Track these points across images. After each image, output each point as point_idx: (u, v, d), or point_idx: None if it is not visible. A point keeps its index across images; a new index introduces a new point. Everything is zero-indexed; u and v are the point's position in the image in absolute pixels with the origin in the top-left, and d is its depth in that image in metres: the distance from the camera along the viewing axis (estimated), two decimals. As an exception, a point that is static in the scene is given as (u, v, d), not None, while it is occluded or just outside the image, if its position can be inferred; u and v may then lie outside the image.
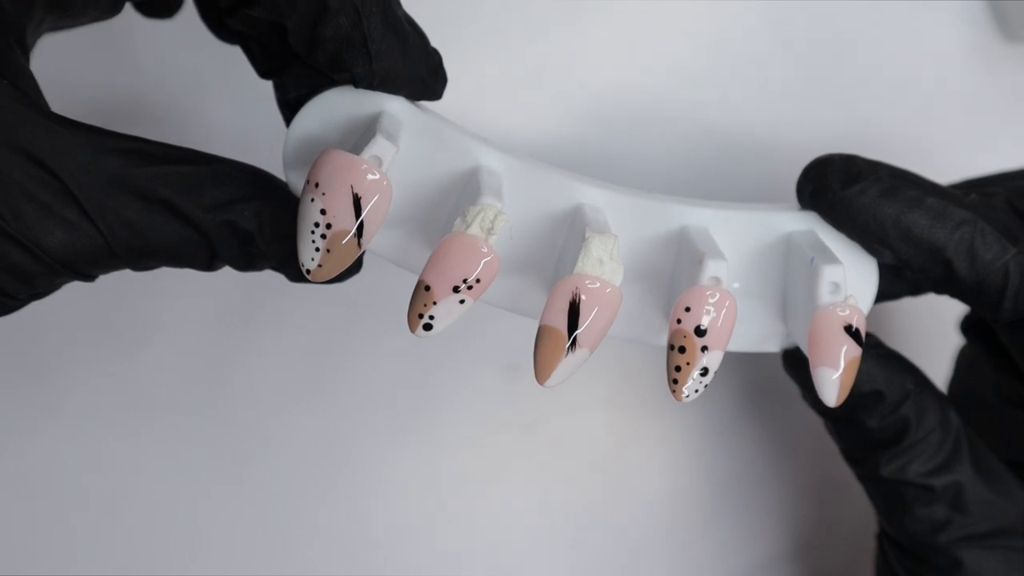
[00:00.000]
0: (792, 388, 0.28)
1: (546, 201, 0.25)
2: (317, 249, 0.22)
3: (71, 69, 0.34)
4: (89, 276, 0.23)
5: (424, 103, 0.25)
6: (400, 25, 0.23)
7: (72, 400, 0.34)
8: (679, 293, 0.24)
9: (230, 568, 0.34)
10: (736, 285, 0.26)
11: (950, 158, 0.36)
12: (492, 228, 0.22)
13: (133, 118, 0.34)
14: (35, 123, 0.21)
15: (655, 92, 0.36)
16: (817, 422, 0.32)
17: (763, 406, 0.36)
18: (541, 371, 0.22)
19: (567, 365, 0.22)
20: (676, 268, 0.25)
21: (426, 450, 0.35)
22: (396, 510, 0.35)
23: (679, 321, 0.23)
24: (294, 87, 0.24)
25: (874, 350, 0.26)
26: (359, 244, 0.22)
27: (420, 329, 0.22)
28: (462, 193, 0.24)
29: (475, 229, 0.22)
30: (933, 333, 0.34)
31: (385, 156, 0.22)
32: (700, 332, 0.23)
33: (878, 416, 0.26)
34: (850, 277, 0.24)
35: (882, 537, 0.29)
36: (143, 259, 0.22)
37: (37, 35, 0.23)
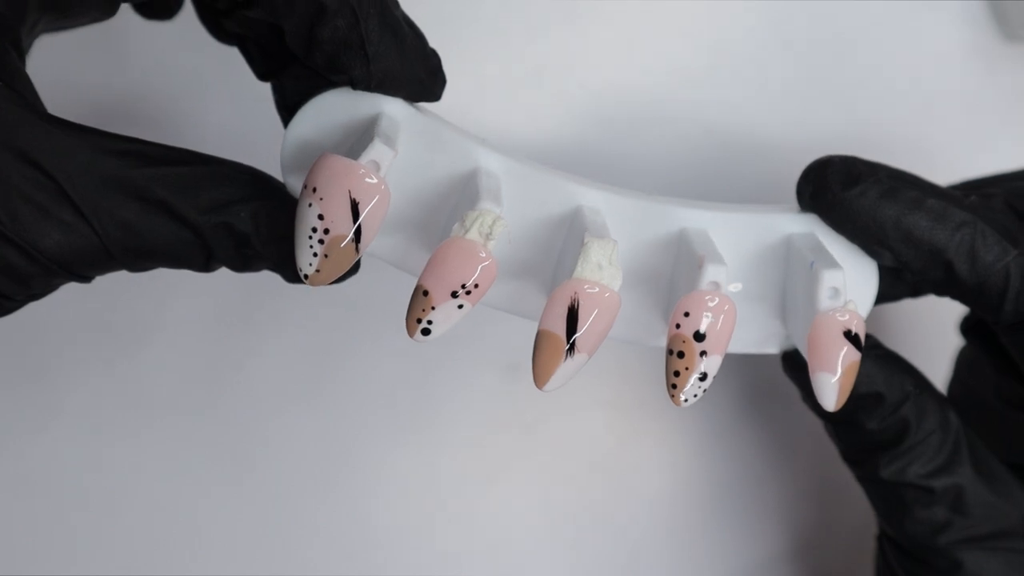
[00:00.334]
0: (791, 389, 0.28)
1: (545, 203, 0.25)
2: (315, 254, 0.22)
3: (70, 70, 0.34)
4: (86, 277, 0.23)
5: (423, 104, 0.25)
6: (398, 26, 0.23)
7: (72, 400, 0.34)
8: (678, 296, 0.24)
9: (230, 568, 0.34)
10: (736, 287, 0.26)
11: (950, 158, 0.36)
12: (490, 233, 0.22)
13: (131, 119, 0.34)
14: (31, 124, 0.21)
15: (655, 92, 0.36)
16: (816, 423, 0.32)
17: (762, 407, 0.36)
18: (540, 376, 0.22)
19: (565, 370, 0.22)
20: (675, 270, 0.25)
21: (426, 450, 0.35)
22: (396, 510, 0.35)
23: (678, 326, 0.23)
24: (292, 89, 0.24)
25: (873, 351, 0.26)
26: (357, 249, 0.22)
27: (418, 334, 0.22)
28: (461, 196, 0.24)
29: (473, 234, 0.22)
30: (933, 334, 0.34)
31: (383, 160, 0.22)
32: (699, 337, 0.23)
33: (878, 418, 0.26)
34: (850, 279, 0.24)
35: (882, 538, 0.29)
36: (139, 260, 0.22)
37: (33, 37, 0.23)
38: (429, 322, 0.22)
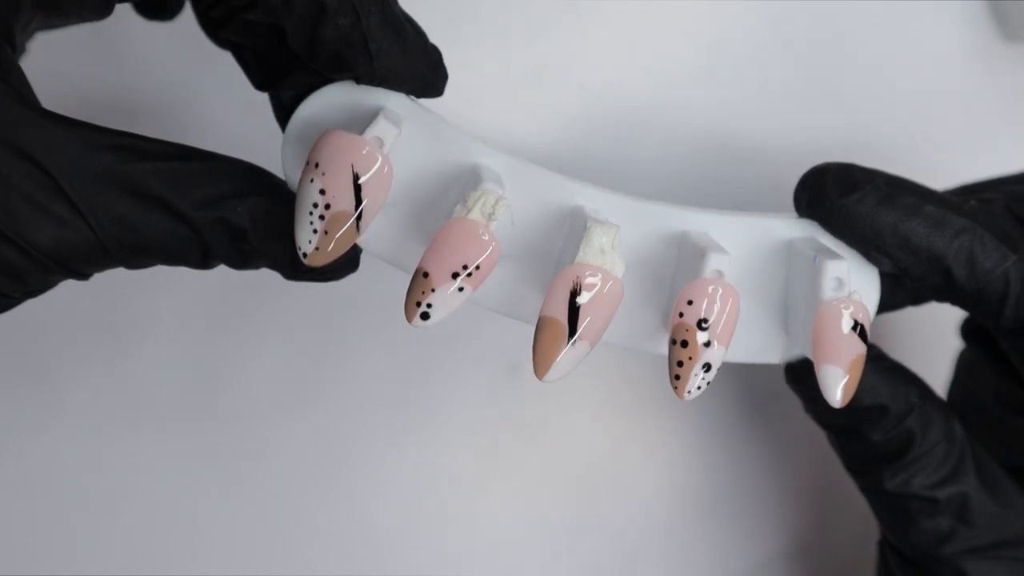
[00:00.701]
0: (791, 390, 0.28)
1: (545, 204, 0.25)
2: (315, 231, 0.21)
3: (68, 66, 0.34)
4: (83, 274, 0.22)
5: (425, 103, 0.25)
6: (399, 23, 0.23)
7: (72, 400, 0.34)
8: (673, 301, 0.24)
9: (230, 568, 0.34)
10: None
11: (950, 158, 0.36)
12: (493, 213, 0.22)
13: (131, 115, 0.34)
14: (25, 119, 0.21)
15: (655, 92, 0.36)
16: (816, 425, 0.32)
17: (762, 408, 0.36)
18: (540, 364, 0.22)
19: (567, 359, 0.22)
20: (676, 274, 0.25)
21: (426, 450, 0.35)
22: (396, 510, 0.35)
23: (681, 315, 0.22)
24: (291, 99, 0.24)
25: (878, 363, 0.26)
26: (358, 227, 0.21)
27: (417, 319, 0.21)
28: (460, 193, 0.24)
29: (476, 214, 0.22)
30: (933, 336, 0.34)
31: (387, 137, 0.22)
32: (703, 326, 0.22)
33: (882, 430, 0.26)
34: (853, 286, 0.24)
35: (884, 545, 0.29)
36: (136, 256, 0.22)
37: (27, 35, 0.23)
38: (428, 305, 0.21)
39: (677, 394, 0.23)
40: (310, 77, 0.24)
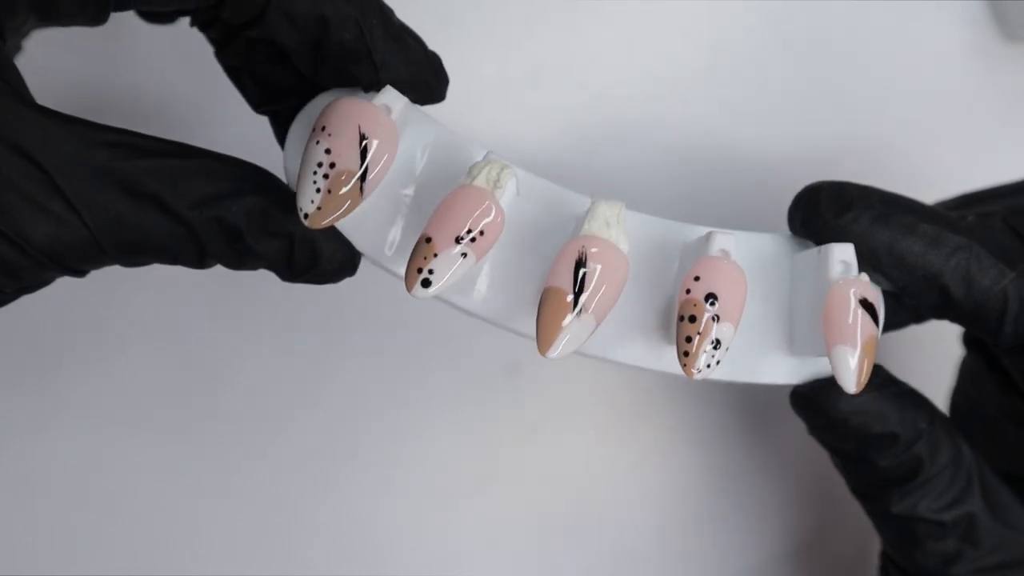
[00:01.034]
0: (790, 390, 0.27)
1: (546, 211, 0.24)
2: (318, 190, 0.21)
3: (67, 62, 0.34)
4: (78, 271, 0.22)
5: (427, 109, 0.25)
6: (400, 33, 0.23)
7: (72, 400, 0.34)
8: (675, 313, 0.23)
9: (230, 568, 0.34)
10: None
11: (950, 158, 0.36)
12: (498, 181, 0.21)
13: (133, 113, 0.34)
14: (21, 115, 0.21)
15: (655, 92, 0.36)
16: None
17: (762, 407, 0.36)
18: (544, 336, 0.21)
19: (572, 332, 0.21)
20: (676, 287, 0.24)
21: (426, 450, 0.35)
22: (396, 510, 0.35)
23: (688, 291, 0.22)
24: (291, 120, 0.24)
25: (887, 389, 0.25)
26: (362, 188, 0.21)
27: (418, 286, 0.21)
28: None
29: (480, 182, 0.21)
30: (936, 343, 0.34)
31: (395, 105, 0.22)
32: (711, 301, 0.22)
33: (890, 456, 0.25)
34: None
35: (887, 561, 0.28)
36: (131, 254, 0.22)
37: (22, 34, 0.23)
38: (430, 271, 0.21)
39: (686, 372, 0.22)
40: (309, 98, 0.24)
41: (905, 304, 0.26)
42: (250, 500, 0.34)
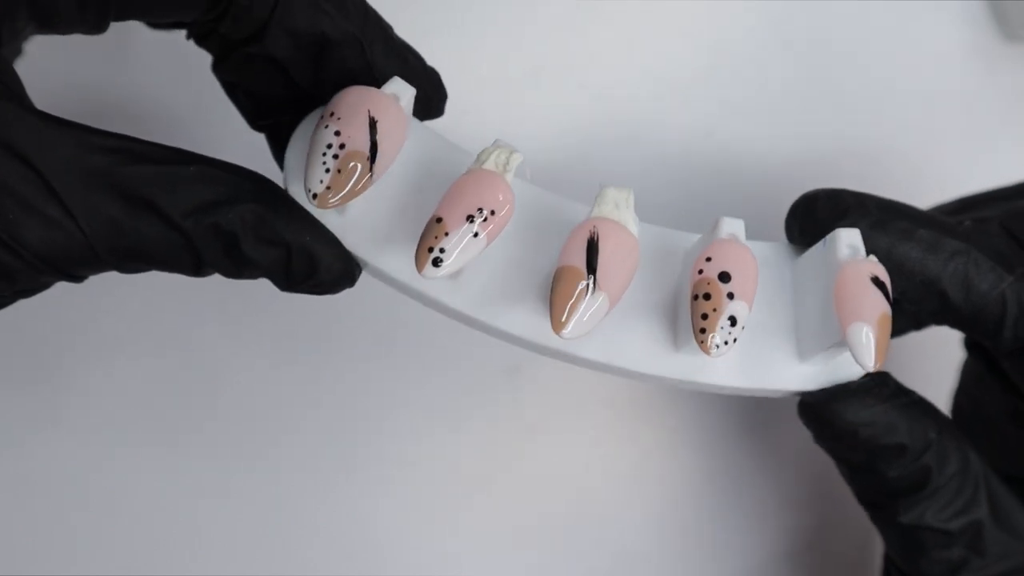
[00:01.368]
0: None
1: (549, 219, 0.24)
2: (327, 170, 0.21)
3: (68, 66, 0.34)
4: (75, 276, 0.22)
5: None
6: (400, 50, 0.23)
7: (73, 400, 0.34)
8: (682, 321, 0.23)
9: (230, 568, 0.34)
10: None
11: (950, 158, 0.36)
12: (507, 164, 0.21)
13: (134, 118, 0.34)
14: (17, 117, 0.21)
15: (655, 92, 0.36)
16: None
17: (762, 407, 0.36)
18: (557, 314, 0.21)
19: (586, 311, 0.21)
20: (677, 295, 0.24)
21: (426, 450, 0.35)
22: (396, 510, 0.35)
23: (700, 272, 0.22)
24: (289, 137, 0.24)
25: (896, 400, 0.25)
26: (371, 170, 0.21)
27: (429, 266, 0.20)
28: None
29: (490, 166, 0.21)
30: (939, 343, 0.34)
31: (403, 95, 0.22)
32: (724, 278, 0.21)
33: (899, 467, 0.25)
34: None
35: (891, 566, 0.28)
36: (126, 261, 0.22)
37: (22, 37, 0.23)
38: (442, 250, 0.20)
39: (704, 349, 0.21)
40: (305, 114, 0.24)
41: (904, 310, 0.26)
42: (250, 500, 0.34)
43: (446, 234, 0.20)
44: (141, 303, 0.34)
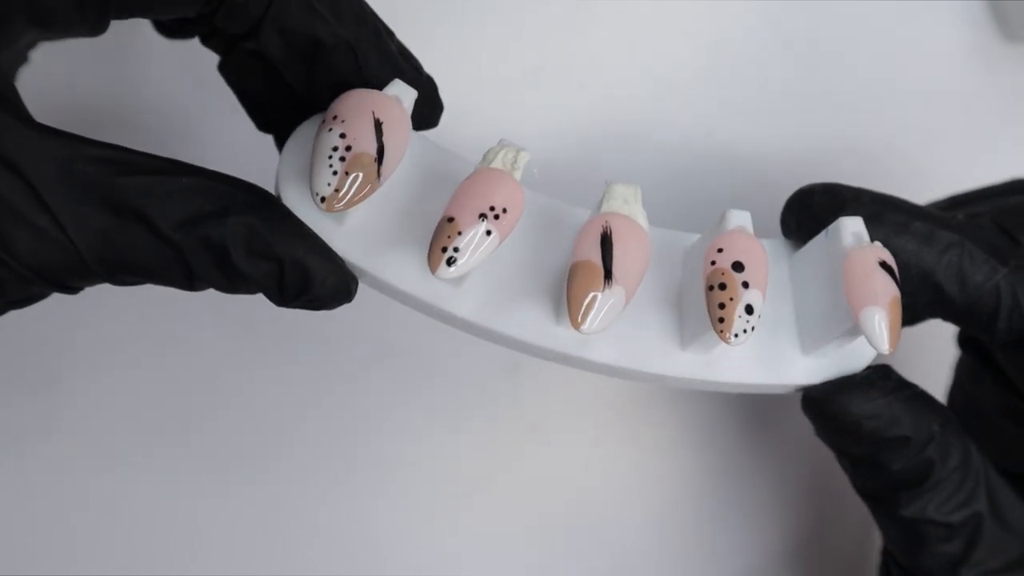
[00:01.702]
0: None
1: (550, 226, 0.24)
2: (335, 173, 0.20)
3: (68, 73, 0.34)
4: (68, 288, 0.22)
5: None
6: (395, 59, 0.23)
7: (74, 401, 0.34)
8: (687, 318, 0.23)
9: (230, 568, 0.34)
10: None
11: (950, 158, 0.36)
12: (515, 163, 0.21)
13: (132, 127, 0.34)
14: (10, 127, 0.20)
15: (655, 92, 0.36)
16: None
17: (762, 406, 0.36)
18: (575, 309, 0.20)
19: (604, 303, 0.21)
20: (681, 293, 0.24)
21: (426, 450, 0.35)
22: (396, 510, 0.35)
23: (714, 263, 0.22)
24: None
25: (900, 392, 0.25)
26: (379, 171, 0.21)
27: (443, 266, 0.20)
28: None
29: (497, 165, 0.21)
30: (935, 339, 0.34)
31: (405, 97, 0.22)
32: (738, 268, 0.21)
33: (902, 460, 0.25)
34: None
35: (889, 560, 0.28)
36: (118, 273, 0.21)
37: (24, 45, 0.23)
38: (455, 249, 0.20)
39: (722, 338, 0.21)
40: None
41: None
42: (250, 500, 0.34)
43: (459, 233, 0.20)
44: (140, 304, 0.34)
